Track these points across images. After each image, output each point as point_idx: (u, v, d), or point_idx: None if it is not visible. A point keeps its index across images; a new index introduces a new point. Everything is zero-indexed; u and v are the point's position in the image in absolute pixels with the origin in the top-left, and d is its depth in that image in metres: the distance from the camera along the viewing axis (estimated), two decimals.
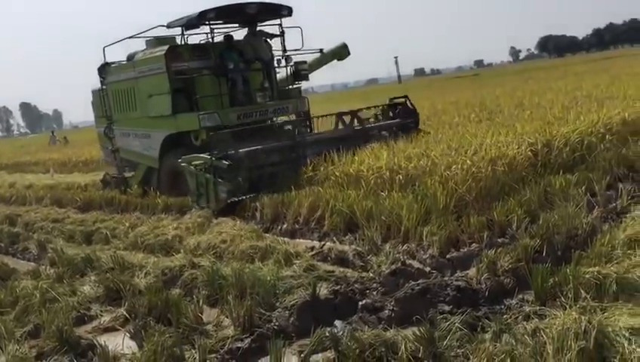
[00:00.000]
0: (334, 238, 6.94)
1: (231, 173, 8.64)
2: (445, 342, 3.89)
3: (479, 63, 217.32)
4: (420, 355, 3.81)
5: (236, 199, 8.62)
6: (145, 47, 11.79)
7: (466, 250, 5.70)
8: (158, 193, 10.92)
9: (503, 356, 3.53)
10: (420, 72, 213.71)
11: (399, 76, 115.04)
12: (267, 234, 7.53)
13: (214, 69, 10.60)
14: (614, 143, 8.46)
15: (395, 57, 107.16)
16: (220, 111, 10.21)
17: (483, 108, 16.26)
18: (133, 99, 11.57)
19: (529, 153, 7.68)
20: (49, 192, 14.28)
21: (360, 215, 6.90)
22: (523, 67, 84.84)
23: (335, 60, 13.73)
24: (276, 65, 11.47)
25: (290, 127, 11.18)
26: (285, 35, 11.37)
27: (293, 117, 11.78)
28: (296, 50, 11.30)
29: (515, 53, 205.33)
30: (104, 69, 12.38)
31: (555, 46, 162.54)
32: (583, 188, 6.65)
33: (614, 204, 6.44)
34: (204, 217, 8.51)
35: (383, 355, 3.85)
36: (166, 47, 10.55)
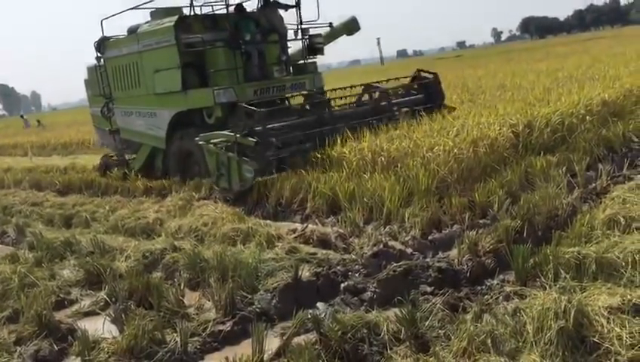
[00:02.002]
0: (317, 220, 6.93)
1: (258, 150, 8.06)
2: (427, 323, 3.92)
3: (462, 44, 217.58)
4: (401, 336, 3.83)
5: (261, 179, 8.12)
6: (149, 19, 11.03)
7: (447, 231, 5.72)
8: (139, 175, 10.78)
9: (483, 336, 3.56)
10: (402, 54, 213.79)
11: (382, 58, 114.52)
12: (249, 217, 7.49)
13: (228, 42, 9.93)
14: (594, 124, 8.52)
15: (378, 38, 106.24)
16: (236, 87, 9.62)
17: (465, 89, 16.26)
18: (137, 75, 10.87)
19: (510, 134, 7.69)
20: (27, 175, 14.10)
21: (342, 197, 6.89)
22: (505, 48, 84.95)
23: (344, 35, 13.13)
24: (293, 37, 10.91)
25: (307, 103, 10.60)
26: (301, 5, 10.73)
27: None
28: (312, 22, 10.77)
29: (497, 34, 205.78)
30: (102, 44, 11.60)
31: (536, 27, 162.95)
32: (564, 168, 6.69)
33: (594, 185, 6.51)
34: (185, 200, 8.44)
35: (365, 337, 3.86)
36: (175, 18, 9.83)
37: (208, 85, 9.74)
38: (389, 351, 3.75)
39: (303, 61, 11.20)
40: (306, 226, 6.64)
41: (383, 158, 7.47)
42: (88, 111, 14.45)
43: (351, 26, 13.21)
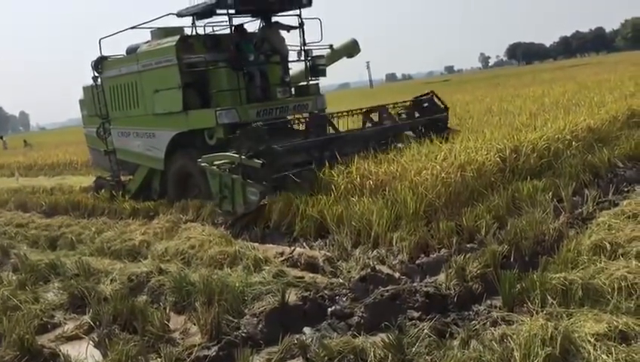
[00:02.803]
0: (304, 244, 6.90)
1: (264, 172, 7.81)
2: (414, 349, 3.89)
3: (450, 69, 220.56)
4: None
5: (265, 202, 7.85)
6: (148, 39, 10.96)
7: (435, 255, 5.71)
8: (126, 197, 10.71)
9: None
10: (391, 77, 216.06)
11: (371, 81, 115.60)
12: (236, 240, 7.44)
13: (231, 62, 9.83)
14: (580, 150, 8.61)
15: (367, 62, 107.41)
16: (238, 108, 9.49)
17: (453, 113, 16.39)
18: (135, 95, 10.72)
19: (497, 159, 7.74)
20: (13, 196, 13.98)
21: (330, 220, 6.87)
22: (492, 73, 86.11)
23: (344, 57, 13.05)
24: (296, 58, 10.85)
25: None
26: (304, 26, 10.63)
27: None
28: (315, 43, 10.67)
29: (484, 59, 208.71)
30: (100, 63, 11.43)
31: (523, 53, 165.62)
32: (550, 194, 6.74)
33: (580, 210, 6.54)
34: (172, 222, 8.40)
35: None
36: (176, 38, 9.80)
37: (209, 106, 9.62)
38: None
39: (305, 83, 11.10)
40: (294, 249, 6.62)
41: (371, 182, 7.47)
42: (76, 132, 14.42)
43: (351, 49, 13.15)
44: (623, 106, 11.79)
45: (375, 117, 10.58)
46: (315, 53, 10.98)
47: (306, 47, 10.72)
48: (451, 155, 7.72)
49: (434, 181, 6.85)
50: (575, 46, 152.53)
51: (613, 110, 11.29)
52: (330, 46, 11.74)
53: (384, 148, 8.83)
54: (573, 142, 8.73)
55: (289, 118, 10.70)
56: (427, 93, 11.11)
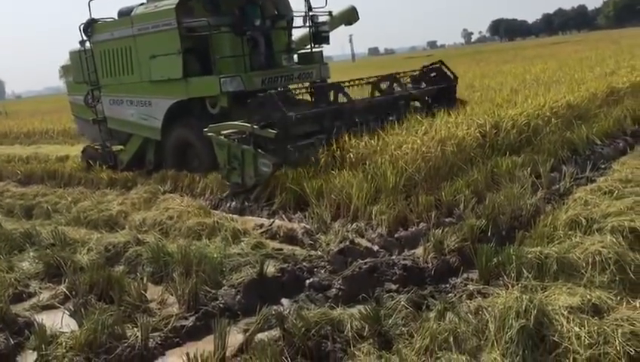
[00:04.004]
0: (284, 216, 6.90)
1: (277, 143, 7.52)
2: (390, 321, 3.93)
3: (432, 44, 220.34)
4: (365, 333, 3.83)
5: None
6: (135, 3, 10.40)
7: (414, 229, 5.75)
8: (103, 167, 10.58)
9: (446, 334, 3.58)
10: (374, 51, 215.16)
11: (353, 55, 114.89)
12: (215, 211, 7.41)
13: (234, 27, 9.38)
14: (559, 126, 8.67)
15: (350, 35, 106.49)
16: (243, 75, 9.10)
17: None
18: (129, 61, 10.16)
19: (478, 134, 7.77)
20: None
21: (310, 193, 6.86)
22: (475, 49, 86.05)
23: (343, 25, 12.64)
24: (300, 25, 10.43)
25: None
26: None
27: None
28: (319, 9, 10.24)
29: (467, 35, 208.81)
30: (90, 26, 10.67)
31: (506, 29, 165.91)
32: (529, 169, 6.79)
33: (557, 186, 6.62)
34: (150, 193, 8.33)
35: (329, 333, 3.84)
36: (176, 0, 9.22)
37: (210, 73, 9.21)
38: (352, 348, 3.74)
39: (309, 50, 10.74)
40: (273, 221, 6.62)
41: (351, 155, 7.46)
42: (53, 100, 14.13)
43: (350, 16, 12.73)
44: (602, 84, 11.87)
45: (384, 86, 10.26)
46: (320, 20, 10.62)
47: (311, 13, 10.33)
48: (432, 130, 7.72)
49: (414, 155, 6.86)
50: (557, 23, 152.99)
51: (592, 87, 11.36)
52: (330, 13, 11.26)
53: (395, 118, 8.69)
54: (553, 119, 8.78)
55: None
56: (435, 63, 10.95)
